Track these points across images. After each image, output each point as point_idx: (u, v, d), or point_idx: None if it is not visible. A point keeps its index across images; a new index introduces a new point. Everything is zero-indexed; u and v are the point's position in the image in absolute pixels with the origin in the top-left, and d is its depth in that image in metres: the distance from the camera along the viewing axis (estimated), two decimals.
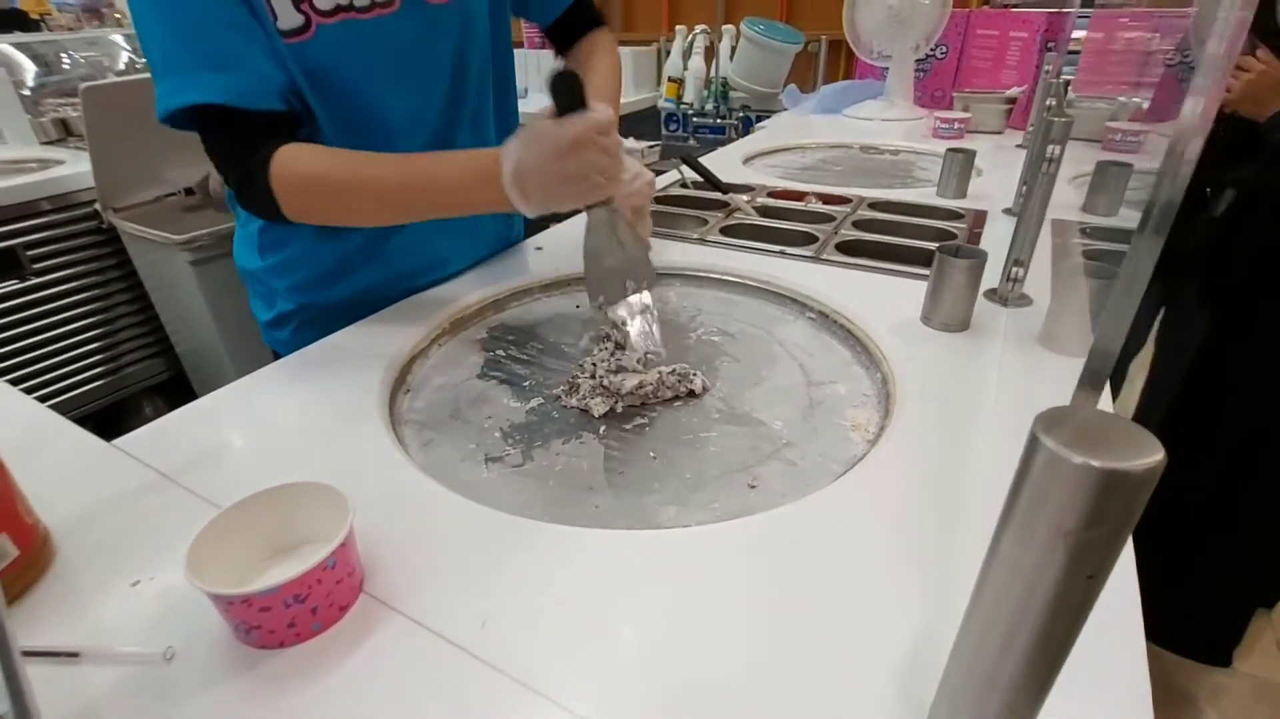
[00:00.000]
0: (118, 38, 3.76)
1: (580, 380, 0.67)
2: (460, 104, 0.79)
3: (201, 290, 1.61)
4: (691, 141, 2.42)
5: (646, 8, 4.23)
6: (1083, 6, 1.83)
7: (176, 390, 2.07)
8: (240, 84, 0.62)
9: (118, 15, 3.87)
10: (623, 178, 0.67)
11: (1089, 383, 0.39)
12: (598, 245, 0.68)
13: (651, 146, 2.10)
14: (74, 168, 1.79)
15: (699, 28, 2.32)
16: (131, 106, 1.58)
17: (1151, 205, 0.39)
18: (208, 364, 1.83)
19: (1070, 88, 1.66)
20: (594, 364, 0.69)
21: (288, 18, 0.63)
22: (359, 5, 0.66)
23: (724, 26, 2.36)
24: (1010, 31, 1.78)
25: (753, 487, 0.55)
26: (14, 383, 1.58)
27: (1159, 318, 1.66)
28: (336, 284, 0.83)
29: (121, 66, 3.64)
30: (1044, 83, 1.32)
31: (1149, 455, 0.20)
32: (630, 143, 2.10)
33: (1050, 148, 0.68)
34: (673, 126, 2.49)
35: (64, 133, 2.20)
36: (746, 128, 2.35)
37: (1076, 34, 1.76)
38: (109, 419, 1.96)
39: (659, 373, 0.66)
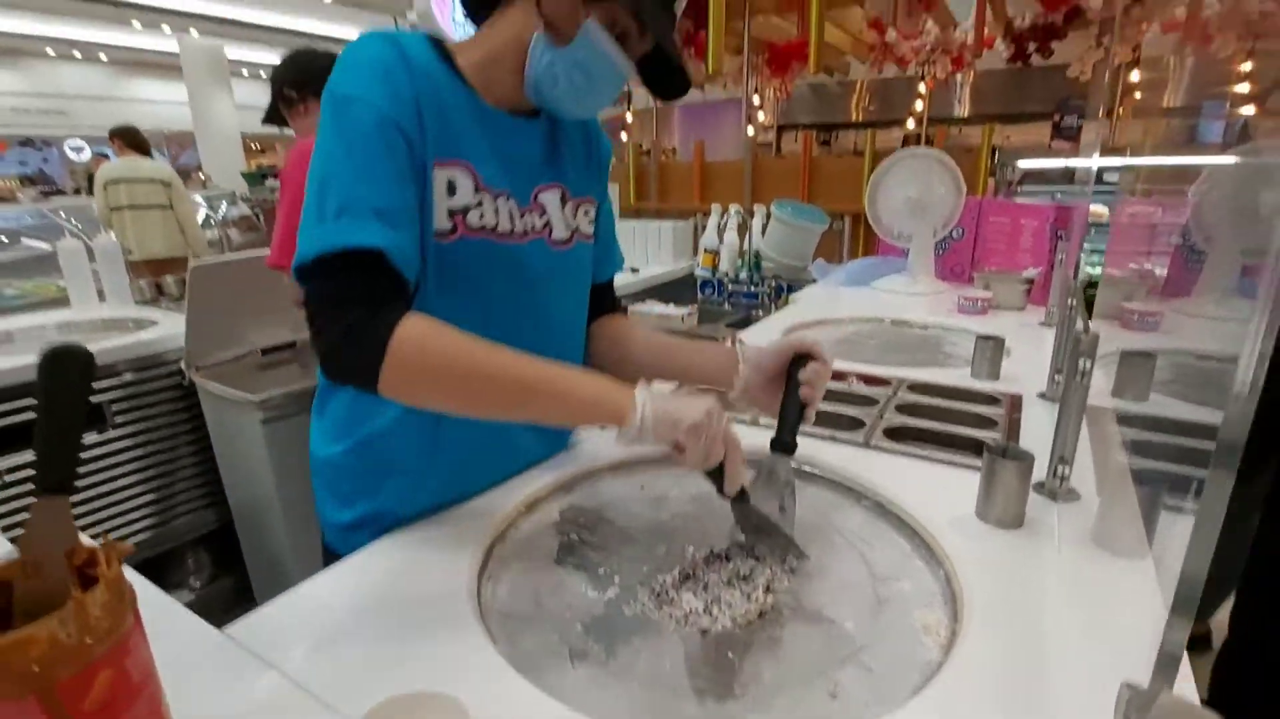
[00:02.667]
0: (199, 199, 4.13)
1: (681, 596, 0.69)
2: (548, 343, 0.83)
3: (267, 446, 1.71)
4: (727, 306, 2.58)
5: (680, 184, 4.68)
6: (1096, 185, 2.01)
7: (219, 542, 2.11)
8: (403, 244, 0.66)
9: (201, 176, 4.31)
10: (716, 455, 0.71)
11: (1181, 610, 0.40)
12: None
13: (690, 313, 2.25)
14: (164, 329, 1.98)
15: (733, 207, 2.57)
16: (231, 282, 1.78)
17: (1221, 446, 0.41)
18: (260, 517, 1.89)
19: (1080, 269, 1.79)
20: (705, 584, 0.71)
21: (441, 220, 0.72)
22: (500, 230, 0.76)
23: (755, 205, 2.60)
24: (1021, 220, 1.95)
25: (834, 696, 0.57)
26: None
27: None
28: (418, 479, 0.82)
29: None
30: (1060, 272, 1.44)
31: None
32: (670, 308, 2.25)
33: (1081, 361, 0.75)
34: (708, 292, 2.67)
35: (156, 293, 2.44)
36: (778, 295, 2.51)
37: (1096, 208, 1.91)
38: (149, 571, 1.99)
39: (772, 597, 0.69)
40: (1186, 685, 0.54)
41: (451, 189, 0.72)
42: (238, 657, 0.58)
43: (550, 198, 0.82)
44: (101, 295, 2.31)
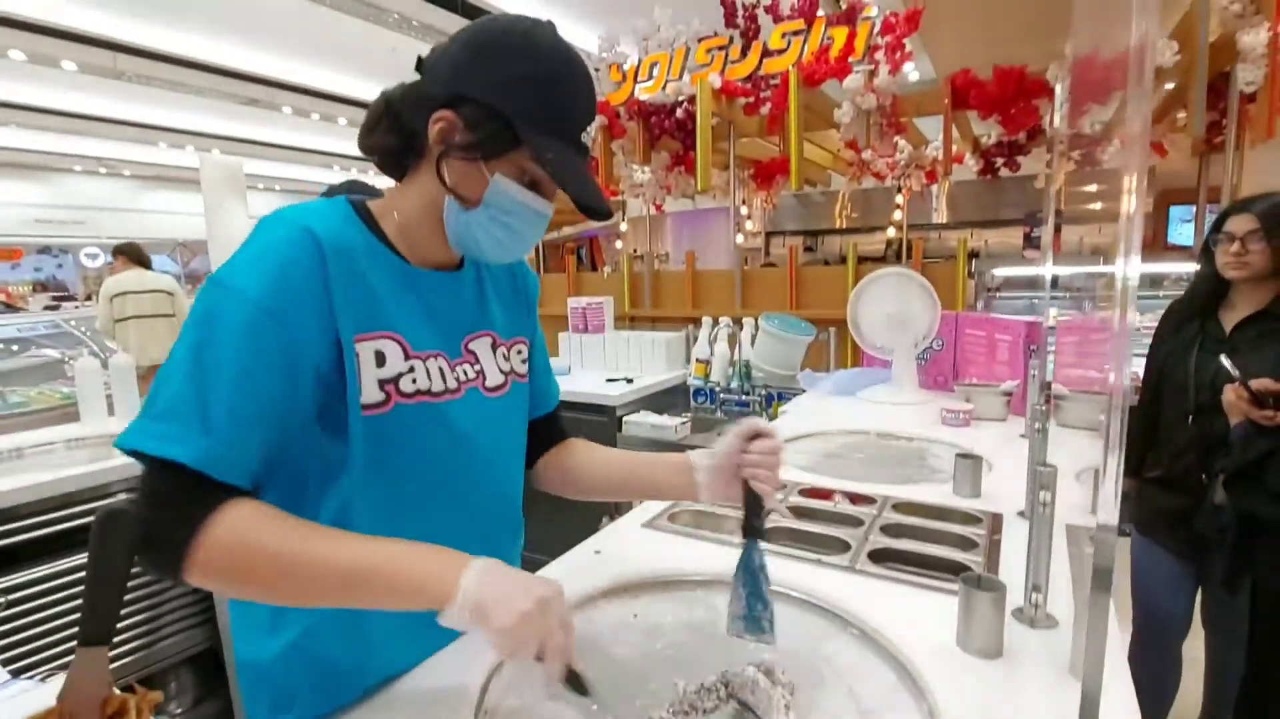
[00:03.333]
0: None
1: None
2: (484, 490, 0.85)
3: None
4: (719, 414, 2.65)
5: (673, 291, 4.87)
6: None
7: (204, 663, 2.05)
8: (225, 453, 0.63)
9: None
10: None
11: None
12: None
13: (684, 422, 2.31)
14: None
15: (723, 319, 2.69)
16: None
17: (1096, 570, 0.48)
18: None
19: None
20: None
21: (371, 393, 0.71)
22: (434, 390, 0.77)
23: (744, 318, 2.73)
24: (996, 334, 2.06)
25: None
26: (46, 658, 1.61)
27: (1198, 597, 1.68)
28: (368, 658, 0.79)
29: None
30: (1033, 387, 1.52)
31: None
32: (664, 419, 2.32)
33: (1041, 494, 0.81)
34: (700, 399, 2.75)
35: None
36: (769, 403, 2.59)
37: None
38: None
39: None
40: None
41: (380, 360, 0.72)
42: None
43: (481, 345, 0.85)
44: (111, 408, 2.37)
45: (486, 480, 0.85)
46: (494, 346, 0.86)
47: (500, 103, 0.70)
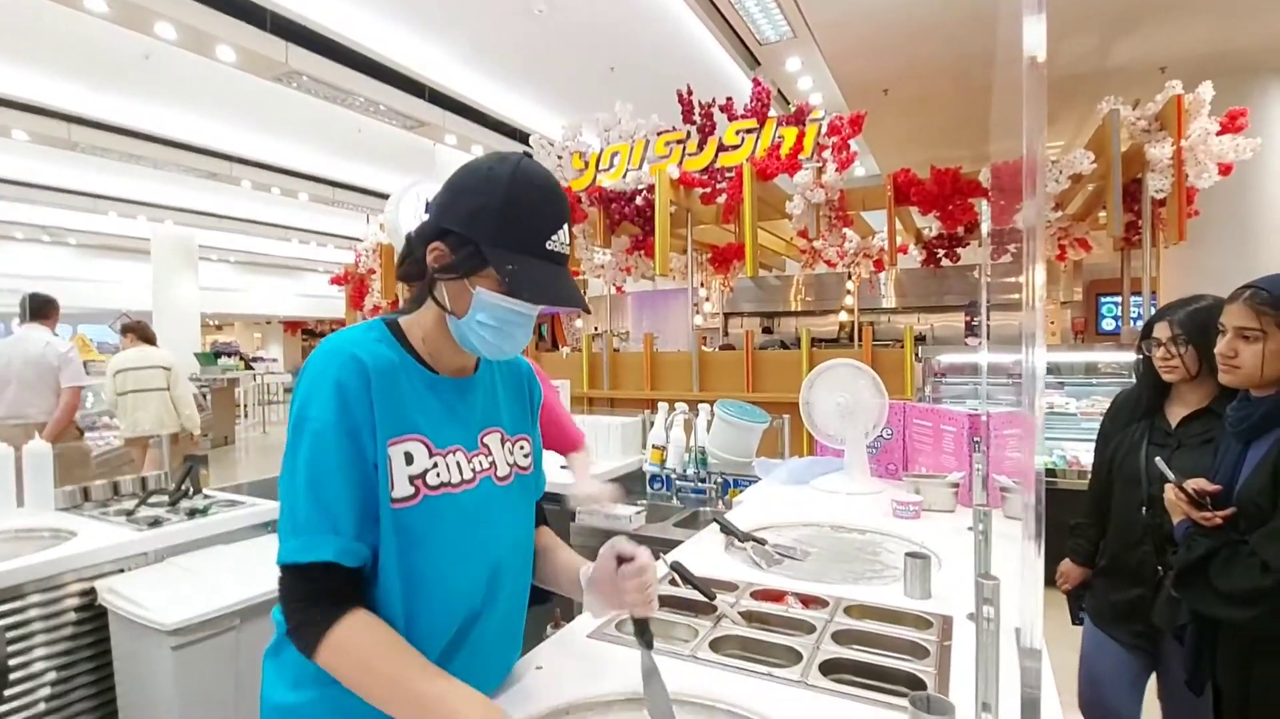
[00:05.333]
0: None
1: None
2: (501, 565, 0.96)
3: (177, 678, 1.56)
4: (675, 501, 2.61)
5: (631, 372, 4.90)
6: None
7: None
8: (347, 545, 0.81)
9: None
10: None
11: None
12: None
13: (639, 511, 2.27)
14: (80, 544, 1.86)
15: (679, 406, 2.70)
16: None
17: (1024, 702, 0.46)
18: None
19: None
20: None
21: (403, 489, 0.85)
22: (452, 483, 0.89)
23: (700, 404, 2.74)
24: (941, 425, 2.11)
25: None
26: None
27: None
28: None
29: None
30: (976, 481, 1.54)
31: None
32: (619, 510, 2.27)
33: (985, 609, 0.80)
34: (657, 486, 2.71)
35: (83, 499, 2.34)
36: (725, 490, 2.57)
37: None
38: None
39: None
40: None
41: (409, 459, 0.85)
42: None
43: (493, 440, 0.97)
44: (20, 498, 2.20)
45: (499, 553, 0.95)
46: (502, 441, 0.99)
47: (470, 231, 0.84)
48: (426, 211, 0.91)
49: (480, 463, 0.93)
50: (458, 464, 0.90)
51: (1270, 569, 1.17)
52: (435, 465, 0.87)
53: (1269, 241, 5.16)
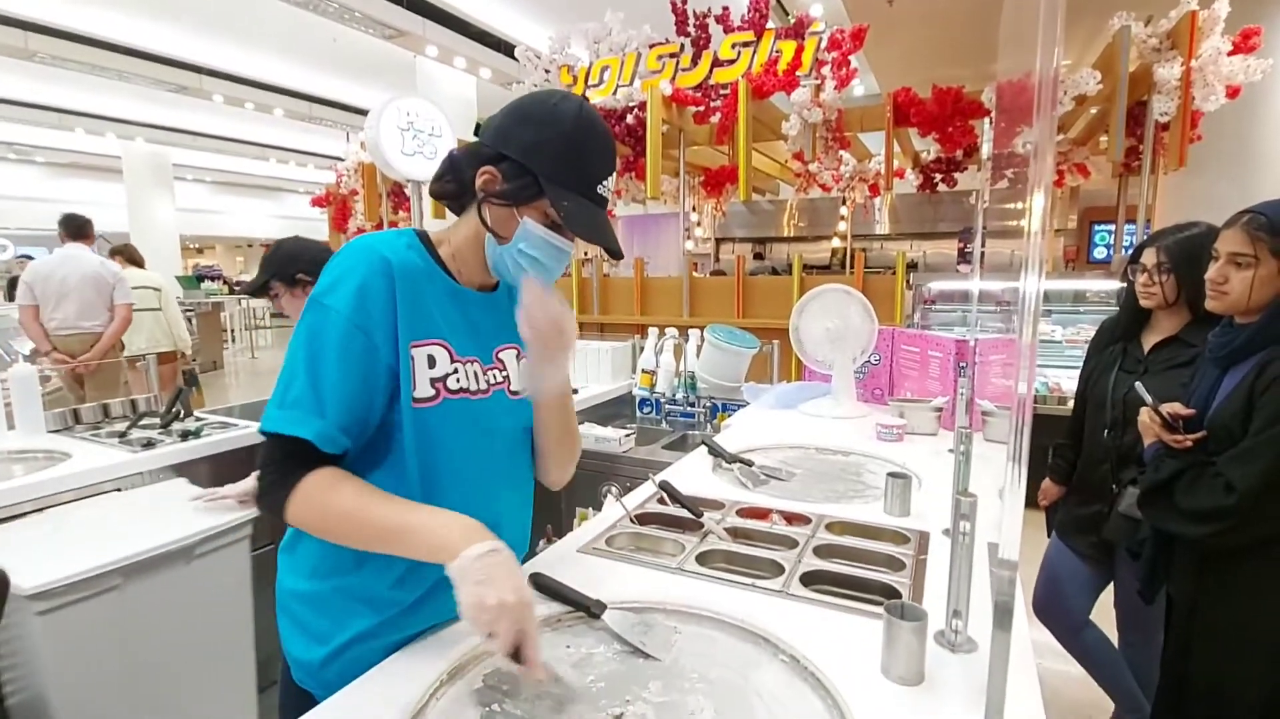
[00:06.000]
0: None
1: None
2: (508, 475, 1.03)
3: (47, 647, 1.34)
4: (664, 425, 2.66)
5: (621, 298, 4.87)
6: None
7: None
8: (330, 430, 0.84)
9: None
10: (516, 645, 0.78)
11: None
12: None
13: (629, 434, 2.31)
14: (76, 465, 1.88)
15: (669, 331, 2.70)
16: None
17: (997, 607, 0.50)
18: None
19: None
20: None
21: (424, 389, 0.90)
22: (470, 389, 0.95)
23: (690, 330, 2.74)
24: (928, 350, 2.12)
25: None
26: None
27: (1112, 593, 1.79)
28: (388, 611, 0.93)
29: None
30: (960, 405, 1.57)
31: None
32: (609, 432, 2.30)
33: (961, 523, 0.83)
34: (646, 410, 2.75)
35: (73, 421, 2.34)
36: (713, 415, 2.61)
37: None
38: None
39: None
40: None
41: (432, 362, 0.90)
42: None
43: (509, 356, 1.02)
44: (10, 421, 2.20)
45: (505, 464, 1.02)
46: (518, 357, 1.03)
47: (529, 161, 0.88)
48: (476, 132, 0.91)
49: (495, 376, 0.99)
50: (475, 373, 0.95)
51: (1233, 489, 1.22)
52: (456, 371, 0.92)
53: (1269, 169, 5.09)
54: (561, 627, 0.98)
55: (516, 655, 0.77)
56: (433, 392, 0.90)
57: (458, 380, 0.93)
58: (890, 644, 0.82)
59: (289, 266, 1.84)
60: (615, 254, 0.95)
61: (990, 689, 0.46)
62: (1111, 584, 1.81)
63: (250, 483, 1.65)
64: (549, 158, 0.88)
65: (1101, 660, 1.83)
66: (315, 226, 10.74)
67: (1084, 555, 1.80)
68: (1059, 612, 1.86)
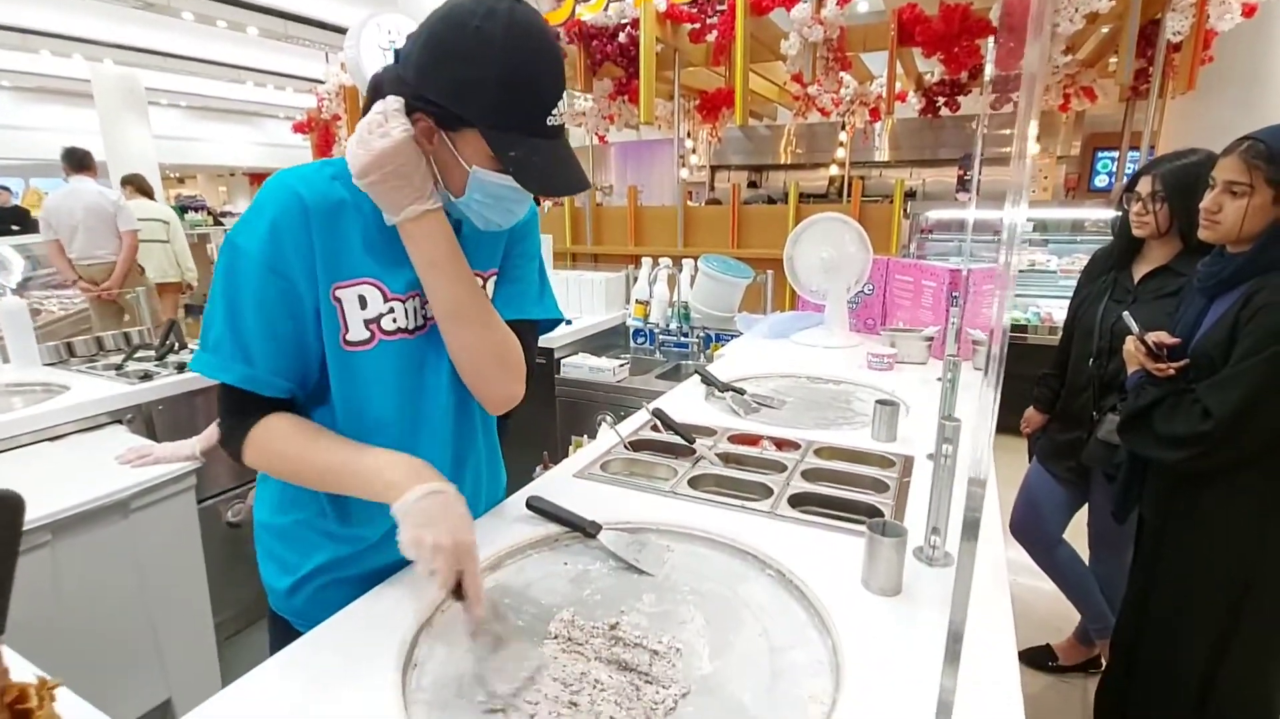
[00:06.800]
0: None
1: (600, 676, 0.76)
2: (463, 411, 0.98)
3: None
4: (658, 355, 2.68)
5: (615, 228, 4.80)
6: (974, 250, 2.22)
7: None
8: (259, 373, 0.82)
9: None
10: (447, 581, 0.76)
11: (951, 660, 0.51)
12: None
13: (622, 364, 2.33)
14: (75, 397, 1.89)
15: (663, 261, 2.68)
16: None
17: (966, 521, 0.53)
18: None
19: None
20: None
21: (357, 332, 0.85)
22: (411, 328, 0.89)
23: (684, 260, 2.73)
24: (922, 280, 2.13)
25: None
26: None
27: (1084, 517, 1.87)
28: (357, 541, 0.94)
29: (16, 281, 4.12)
30: (952, 338, 1.59)
31: None
32: (603, 362, 2.33)
33: (944, 446, 0.86)
34: (640, 340, 2.77)
35: (67, 354, 2.34)
36: (706, 345, 2.63)
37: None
38: None
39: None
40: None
41: (363, 303, 0.85)
42: None
43: None
44: (5, 355, 2.20)
45: (454, 399, 0.95)
46: None
47: (459, 108, 0.77)
48: (397, 61, 0.81)
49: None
50: (413, 309, 0.89)
51: (1210, 416, 1.26)
52: (391, 310, 0.86)
53: (1278, 94, 4.95)
54: (559, 546, 1.02)
55: (459, 592, 0.77)
56: (367, 334, 0.85)
57: (394, 320, 0.87)
58: (871, 558, 0.87)
59: None
60: (579, 189, 0.82)
61: (955, 596, 0.49)
62: (1085, 506, 1.89)
63: (185, 445, 1.65)
64: (482, 100, 0.75)
65: (1071, 576, 1.93)
66: (299, 154, 10.40)
67: (1061, 479, 1.87)
68: (1035, 531, 1.95)
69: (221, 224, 11.15)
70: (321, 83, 6.16)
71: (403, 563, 0.92)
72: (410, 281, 0.87)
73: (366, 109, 0.82)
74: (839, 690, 0.72)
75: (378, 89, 0.83)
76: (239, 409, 0.84)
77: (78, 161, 4.02)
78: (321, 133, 6.24)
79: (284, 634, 0.86)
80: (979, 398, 0.48)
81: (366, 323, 0.85)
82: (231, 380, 0.81)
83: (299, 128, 6.51)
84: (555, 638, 0.81)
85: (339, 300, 0.83)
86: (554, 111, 0.78)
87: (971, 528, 0.49)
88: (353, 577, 0.94)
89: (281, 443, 0.84)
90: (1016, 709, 0.68)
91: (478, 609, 0.78)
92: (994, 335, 0.56)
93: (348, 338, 0.84)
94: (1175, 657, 1.41)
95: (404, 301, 0.87)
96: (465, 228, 0.91)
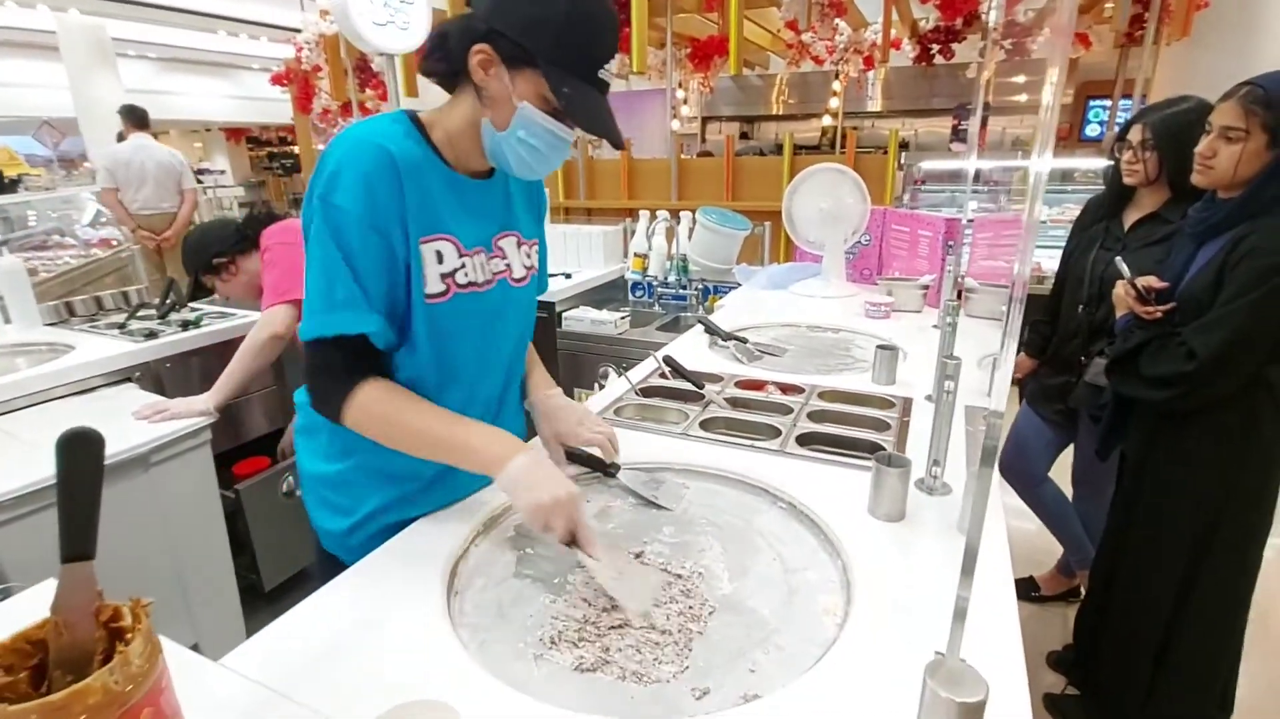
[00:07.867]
0: (87, 195, 4.30)
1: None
2: (513, 359, 1.07)
3: None
4: (657, 308, 2.71)
5: (608, 181, 4.76)
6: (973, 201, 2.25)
7: None
8: (382, 325, 0.86)
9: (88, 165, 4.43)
10: (575, 524, 0.85)
11: (966, 571, 0.56)
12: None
13: (623, 317, 2.36)
14: (81, 356, 1.90)
15: (661, 214, 2.69)
16: None
17: (984, 449, 0.58)
18: None
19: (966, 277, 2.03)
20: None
21: (435, 285, 0.89)
22: (478, 282, 0.94)
23: (682, 212, 2.73)
24: (918, 230, 2.16)
25: (752, 671, 0.70)
26: None
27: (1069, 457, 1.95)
28: (407, 485, 0.99)
29: (88, 220, 4.09)
30: (948, 282, 1.63)
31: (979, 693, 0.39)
32: (604, 314, 2.36)
33: (945, 383, 0.91)
34: (639, 293, 2.79)
35: (68, 314, 2.34)
36: (705, 297, 2.66)
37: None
38: None
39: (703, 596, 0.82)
40: (1013, 637, 0.71)
41: (440, 258, 0.89)
42: (245, 688, 0.65)
43: (509, 244, 1.00)
44: (7, 316, 2.20)
45: (510, 353, 1.05)
46: (518, 245, 1.01)
47: (527, 40, 0.80)
48: (468, 4, 0.85)
49: (497, 264, 0.97)
50: (480, 265, 0.94)
51: (1194, 356, 1.32)
52: (464, 265, 0.91)
53: (1273, 41, 4.93)
54: (580, 484, 1.08)
55: (571, 543, 0.84)
56: (443, 287, 0.89)
57: (466, 275, 0.91)
58: (877, 488, 0.93)
59: (203, 255, 1.95)
60: (614, 144, 0.89)
61: (972, 519, 0.54)
62: (1071, 446, 1.98)
63: (198, 401, 1.68)
64: (549, 37, 0.80)
65: (1055, 511, 2.03)
66: (278, 107, 10.07)
67: (1049, 420, 1.94)
68: (1022, 469, 2.04)
69: (201, 181, 10.87)
70: (299, 31, 5.96)
71: (455, 502, 1.01)
72: (478, 238, 0.93)
73: (428, 54, 0.88)
74: (850, 604, 0.79)
75: (443, 38, 0.86)
76: (351, 366, 0.87)
77: (138, 119, 4.29)
78: (301, 85, 6.07)
79: (334, 569, 0.91)
80: (1002, 343, 0.52)
81: (442, 276, 0.89)
82: (370, 328, 0.84)
83: (277, 79, 6.33)
84: (583, 567, 0.87)
85: (422, 255, 0.87)
86: (606, 67, 0.84)
87: (989, 454, 0.54)
88: (407, 518, 0.98)
89: (391, 408, 0.88)
90: (1012, 619, 0.75)
91: (593, 549, 0.84)
92: (1015, 284, 0.60)
93: (427, 290, 0.88)
94: (1150, 579, 1.51)
95: (473, 257, 0.92)
96: (512, 185, 0.99)
